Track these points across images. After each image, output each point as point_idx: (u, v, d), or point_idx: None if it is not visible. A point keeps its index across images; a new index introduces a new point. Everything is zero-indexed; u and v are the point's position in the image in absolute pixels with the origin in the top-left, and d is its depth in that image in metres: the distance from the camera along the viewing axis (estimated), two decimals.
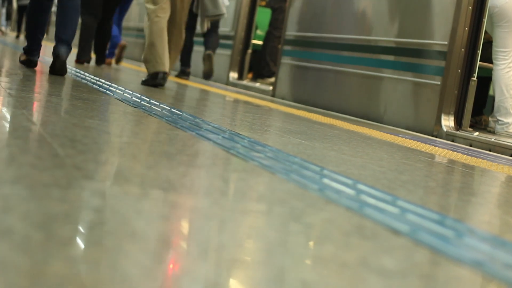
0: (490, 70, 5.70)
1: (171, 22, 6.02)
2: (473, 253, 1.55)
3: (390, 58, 6.00)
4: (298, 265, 1.30)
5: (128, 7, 9.29)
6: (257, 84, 8.37)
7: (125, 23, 12.58)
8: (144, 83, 5.84)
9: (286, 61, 7.50)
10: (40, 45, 5.48)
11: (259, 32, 9.57)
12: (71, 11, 5.15)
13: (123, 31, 12.45)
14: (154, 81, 5.75)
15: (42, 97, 3.63)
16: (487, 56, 5.68)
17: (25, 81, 4.43)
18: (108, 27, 8.45)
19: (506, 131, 5.56)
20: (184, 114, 3.60)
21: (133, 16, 13.18)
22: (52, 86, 4.41)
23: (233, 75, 8.80)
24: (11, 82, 4.16)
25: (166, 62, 5.72)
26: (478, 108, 6.36)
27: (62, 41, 5.08)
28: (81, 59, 8.13)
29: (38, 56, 5.48)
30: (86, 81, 5.07)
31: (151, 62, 5.75)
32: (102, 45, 8.47)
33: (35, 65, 5.48)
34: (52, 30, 16.63)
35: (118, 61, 9.44)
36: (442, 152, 3.91)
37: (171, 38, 6.00)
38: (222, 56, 9.07)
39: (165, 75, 5.75)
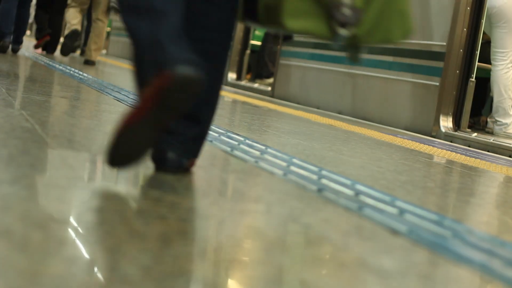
0: (489, 71, 5.71)
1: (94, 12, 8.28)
2: (472, 253, 1.56)
3: (389, 59, 6.00)
4: (296, 265, 1.30)
5: None
6: (256, 85, 8.37)
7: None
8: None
9: (284, 61, 7.50)
10: (11, 33, 7.78)
11: (257, 32, 9.57)
12: (24, 20, 8.09)
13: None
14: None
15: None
16: (485, 56, 5.68)
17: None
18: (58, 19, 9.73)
19: (504, 132, 5.57)
20: None
21: None
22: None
23: (232, 75, 8.80)
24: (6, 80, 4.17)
25: None
26: (477, 108, 6.36)
27: (17, 42, 7.88)
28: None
29: (10, 39, 7.72)
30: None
31: None
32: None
33: (7, 47, 7.63)
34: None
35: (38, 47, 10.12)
36: (440, 153, 3.91)
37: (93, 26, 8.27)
38: None
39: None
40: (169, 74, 1.62)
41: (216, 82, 1.97)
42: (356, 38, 1.83)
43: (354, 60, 1.90)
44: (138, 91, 1.77)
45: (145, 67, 1.74)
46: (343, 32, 1.79)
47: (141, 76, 1.76)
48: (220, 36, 1.95)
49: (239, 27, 8.83)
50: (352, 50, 1.89)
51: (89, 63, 8.01)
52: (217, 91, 2.00)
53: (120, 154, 1.70)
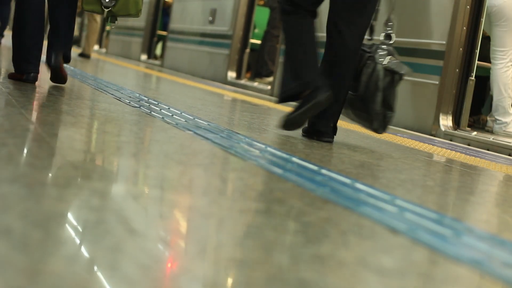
0: (488, 70, 5.70)
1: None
2: (471, 252, 1.56)
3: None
4: (296, 264, 1.30)
5: None
6: (256, 84, 8.37)
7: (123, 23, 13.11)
8: None
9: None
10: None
11: (257, 31, 9.56)
12: (5, 16, 9.01)
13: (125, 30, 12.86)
14: None
15: None
16: (485, 53, 5.68)
17: None
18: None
19: (504, 131, 5.57)
20: (183, 113, 3.60)
21: None
22: None
23: (231, 74, 8.80)
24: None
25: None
26: (477, 107, 6.36)
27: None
28: None
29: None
30: None
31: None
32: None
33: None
34: None
35: None
36: (440, 152, 3.91)
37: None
38: (220, 55, 9.07)
39: None
40: (22, 77, 3.99)
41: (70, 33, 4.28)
42: (112, 13, 4.12)
43: (112, 22, 4.17)
44: (15, 66, 4.03)
45: (18, 64, 4.00)
46: (106, 10, 4.10)
47: (16, 65, 3.99)
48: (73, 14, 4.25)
49: (239, 25, 8.82)
50: (112, 18, 4.14)
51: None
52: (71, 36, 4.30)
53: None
